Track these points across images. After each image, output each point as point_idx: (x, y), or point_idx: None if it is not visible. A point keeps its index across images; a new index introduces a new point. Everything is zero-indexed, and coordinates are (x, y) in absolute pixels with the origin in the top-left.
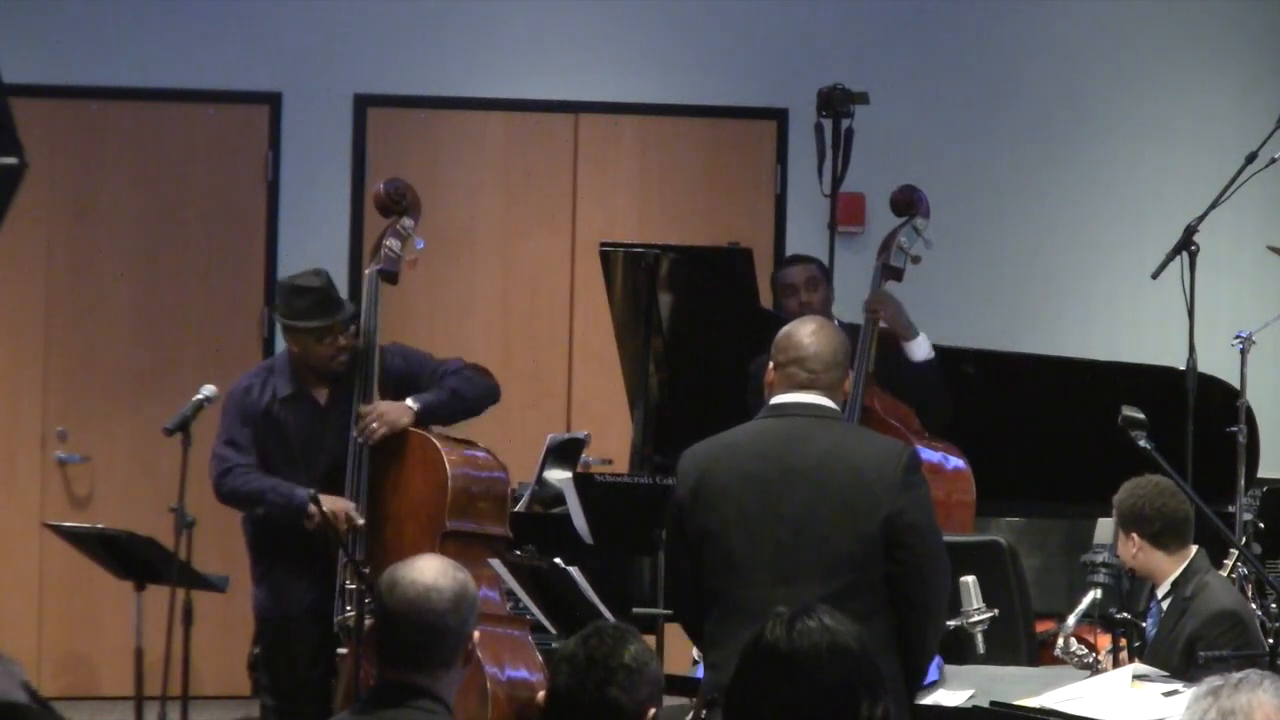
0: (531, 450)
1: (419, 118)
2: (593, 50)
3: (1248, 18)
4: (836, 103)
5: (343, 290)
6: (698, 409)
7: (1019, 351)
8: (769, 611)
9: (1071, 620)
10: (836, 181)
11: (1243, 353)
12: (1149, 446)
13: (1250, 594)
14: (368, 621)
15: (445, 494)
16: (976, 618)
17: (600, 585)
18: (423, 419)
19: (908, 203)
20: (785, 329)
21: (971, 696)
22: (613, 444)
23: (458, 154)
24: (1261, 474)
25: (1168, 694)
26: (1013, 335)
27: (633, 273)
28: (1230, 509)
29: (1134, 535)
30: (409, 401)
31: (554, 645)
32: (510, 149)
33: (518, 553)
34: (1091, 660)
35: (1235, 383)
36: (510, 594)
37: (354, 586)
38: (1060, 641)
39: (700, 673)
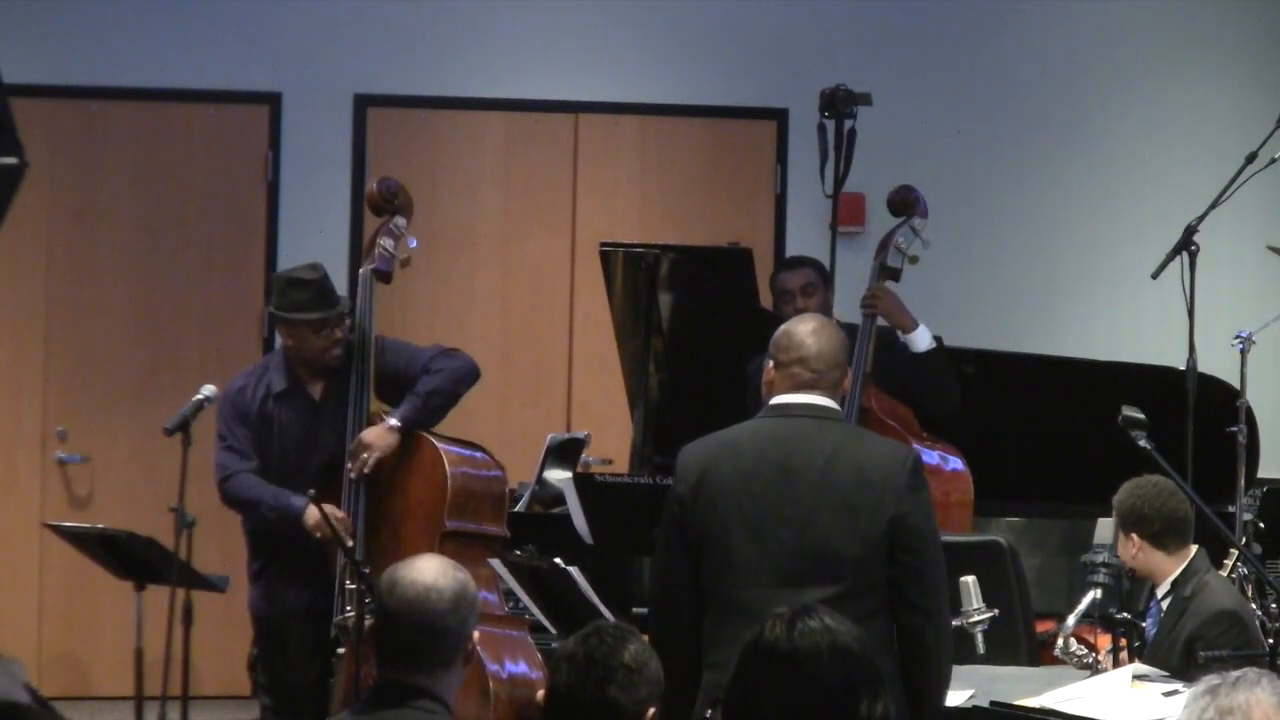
0: (531, 450)
1: (419, 118)
2: (593, 50)
3: (1248, 18)
4: (839, 103)
5: (341, 290)
6: (698, 409)
7: (1019, 351)
8: (769, 612)
9: (1071, 620)
10: (839, 182)
11: (1243, 353)
12: (1149, 446)
13: (1250, 594)
14: (368, 621)
15: (445, 494)
16: (976, 618)
17: (600, 585)
18: (408, 432)
19: (905, 203)
20: (784, 328)
21: (971, 696)
22: (613, 444)
23: (458, 154)
24: (1261, 474)
25: (1168, 694)
26: (1013, 335)
27: (633, 273)
28: (1230, 509)
29: (1134, 535)
30: (391, 421)
31: (554, 645)
32: (510, 149)
33: (518, 553)
34: (1091, 660)
35: (1235, 383)
36: (510, 594)
37: (354, 586)
38: (1060, 641)
39: None
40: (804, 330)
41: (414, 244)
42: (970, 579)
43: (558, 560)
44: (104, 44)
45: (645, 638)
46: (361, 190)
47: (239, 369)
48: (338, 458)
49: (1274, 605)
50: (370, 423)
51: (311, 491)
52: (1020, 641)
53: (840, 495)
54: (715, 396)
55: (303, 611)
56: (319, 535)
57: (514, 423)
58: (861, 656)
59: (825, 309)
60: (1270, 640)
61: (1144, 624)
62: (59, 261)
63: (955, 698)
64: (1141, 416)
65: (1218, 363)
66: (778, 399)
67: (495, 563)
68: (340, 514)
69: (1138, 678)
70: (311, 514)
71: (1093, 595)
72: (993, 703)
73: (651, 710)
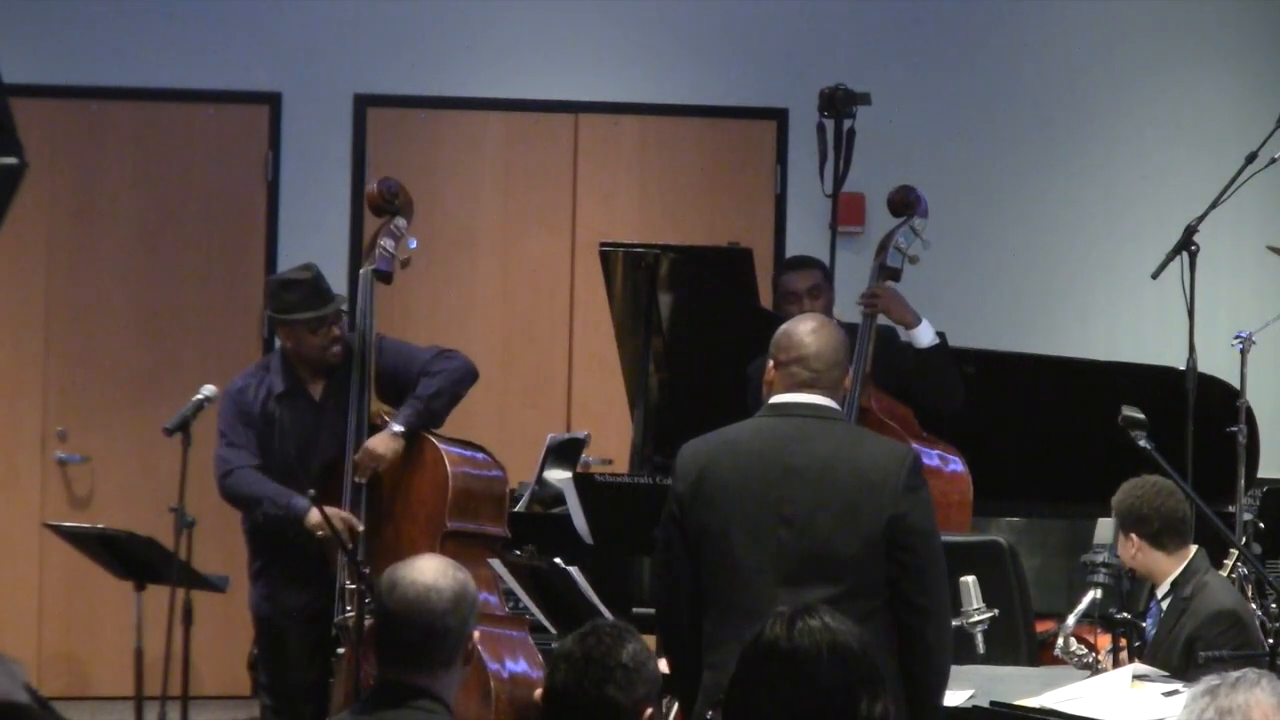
0: (531, 450)
1: (419, 118)
2: (593, 50)
3: (1248, 18)
4: (839, 103)
5: (341, 290)
6: (698, 409)
7: (1019, 351)
8: (769, 611)
9: (1071, 620)
10: (838, 182)
11: (1243, 353)
12: (1149, 446)
13: (1250, 594)
14: (368, 621)
15: (446, 494)
16: (976, 618)
17: (600, 585)
18: (411, 436)
19: (905, 203)
20: (785, 327)
21: (971, 696)
22: (613, 444)
23: (458, 154)
24: (1261, 474)
25: (1168, 694)
26: (1013, 335)
27: (633, 273)
28: (1230, 509)
29: (1133, 536)
30: (394, 427)
31: (554, 645)
32: (510, 149)
33: (518, 553)
34: (1091, 660)
35: (1235, 383)
36: (510, 594)
37: (354, 587)
38: (1060, 641)
39: None
40: (803, 330)
41: (414, 244)
42: (970, 579)
43: (558, 560)
44: (104, 44)
45: (644, 638)
46: (361, 190)
47: (239, 369)
48: (338, 458)
49: (1274, 605)
50: (372, 424)
51: (312, 492)
52: (1020, 641)
53: (840, 495)
54: (715, 396)
55: (303, 611)
56: (320, 534)
57: (514, 423)
58: (862, 656)
59: (829, 310)
60: (1270, 640)
61: (1144, 624)
62: (59, 261)
63: (955, 698)
64: (1141, 416)
65: (1218, 363)
66: (777, 398)
67: (495, 563)
68: (345, 514)
69: (1138, 678)
70: (313, 516)
71: (1093, 595)
72: (993, 703)
73: (649, 710)
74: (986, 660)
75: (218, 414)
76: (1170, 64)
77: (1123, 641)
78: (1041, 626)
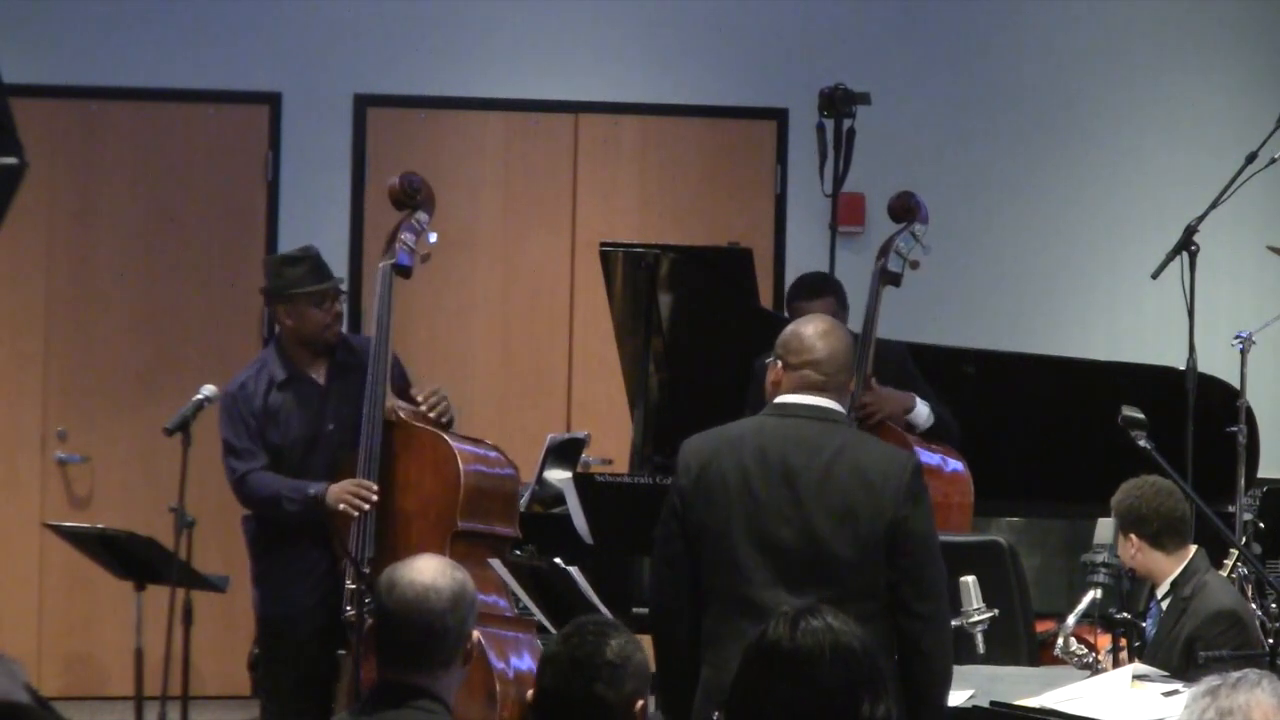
0: (531, 450)
1: (419, 118)
2: (593, 50)
3: (1248, 18)
4: (839, 103)
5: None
6: (698, 409)
7: (1019, 351)
8: (769, 611)
9: (1071, 620)
10: (838, 182)
11: (1243, 353)
12: (1149, 446)
13: (1250, 594)
14: (368, 621)
15: (457, 492)
16: (976, 618)
17: (600, 585)
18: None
19: (905, 209)
20: (794, 329)
21: (971, 696)
22: (613, 444)
23: (458, 154)
24: (1261, 474)
25: (1168, 694)
26: (1013, 335)
27: (633, 273)
28: (1230, 509)
29: (1132, 536)
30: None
31: None
32: (510, 149)
33: (518, 553)
34: (1091, 660)
35: (1235, 383)
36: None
37: (354, 586)
38: (1060, 641)
39: None
40: (814, 333)
41: (434, 239)
42: (970, 579)
43: (558, 560)
44: (104, 44)
45: (633, 634)
46: (362, 190)
47: (239, 369)
48: (345, 441)
49: (1274, 605)
50: (386, 418)
51: (325, 484)
52: (1020, 641)
53: (840, 497)
54: (715, 396)
55: (308, 611)
56: (342, 508)
57: (514, 423)
58: (864, 657)
59: None
60: (1270, 640)
61: (1144, 624)
62: (59, 261)
63: (955, 698)
64: (1141, 416)
65: (1218, 363)
66: (783, 398)
67: (495, 563)
68: (358, 482)
69: (1138, 678)
70: (333, 492)
71: (1093, 595)
72: (993, 703)
73: (640, 703)
74: (986, 660)
75: (218, 422)
76: (1170, 65)
77: (1123, 641)
78: (1041, 626)
